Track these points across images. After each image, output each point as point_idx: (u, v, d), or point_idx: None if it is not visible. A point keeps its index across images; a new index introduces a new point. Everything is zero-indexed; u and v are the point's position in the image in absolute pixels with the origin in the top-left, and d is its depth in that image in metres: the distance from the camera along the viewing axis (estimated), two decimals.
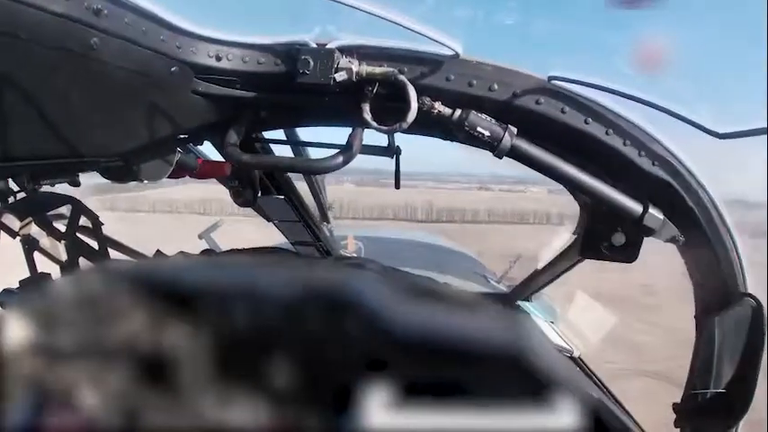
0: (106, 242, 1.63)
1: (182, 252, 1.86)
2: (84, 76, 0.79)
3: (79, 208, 1.50)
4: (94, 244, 1.54)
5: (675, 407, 0.98)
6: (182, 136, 1.05)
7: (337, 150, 0.94)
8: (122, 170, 1.02)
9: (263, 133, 1.37)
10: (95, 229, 1.58)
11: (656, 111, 0.88)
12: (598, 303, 1.72)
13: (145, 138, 0.97)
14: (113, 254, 1.71)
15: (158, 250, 1.80)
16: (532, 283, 1.69)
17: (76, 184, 1.09)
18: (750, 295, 0.93)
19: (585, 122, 0.91)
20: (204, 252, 1.90)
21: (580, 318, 1.69)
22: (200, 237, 2.89)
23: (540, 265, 1.56)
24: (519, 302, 1.77)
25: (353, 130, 0.94)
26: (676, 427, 0.99)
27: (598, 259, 1.06)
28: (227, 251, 1.97)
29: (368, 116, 0.90)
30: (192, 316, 0.80)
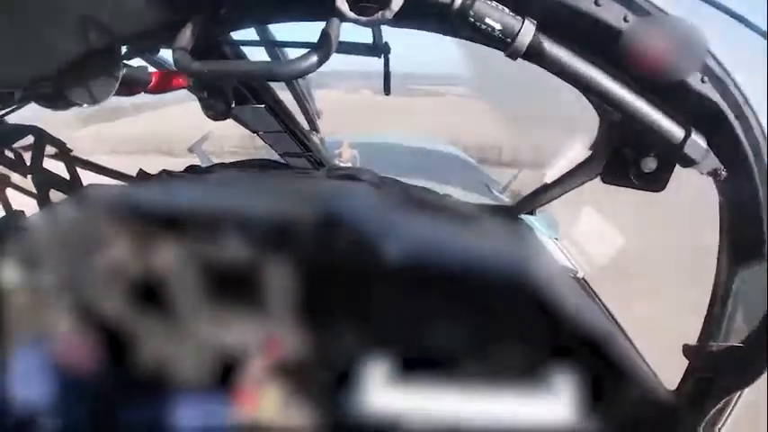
0: (79, 166, 1.53)
1: (164, 170, 1.75)
2: None
3: (43, 136, 1.38)
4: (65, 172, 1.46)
5: (686, 350, 0.92)
6: (122, 46, 0.89)
7: (307, 50, 0.77)
8: (55, 96, 0.87)
9: (232, 35, 1.19)
10: (64, 156, 1.48)
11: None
12: (606, 221, 1.62)
13: (74, 54, 0.82)
14: (93, 177, 1.62)
15: (141, 170, 1.70)
16: (538, 198, 1.57)
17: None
18: None
19: (625, 20, 0.72)
20: (189, 168, 1.80)
21: (586, 236, 1.61)
22: (190, 150, 2.77)
23: (548, 179, 1.44)
24: (522, 216, 1.68)
25: (327, 23, 0.76)
26: (687, 373, 0.94)
27: (621, 185, 0.93)
28: (214, 165, 1.86)
29: (342, 4, 0.71)
30: (179, 239, 0.70)
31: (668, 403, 1.00)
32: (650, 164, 0.86)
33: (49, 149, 1.41)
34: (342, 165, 2.30)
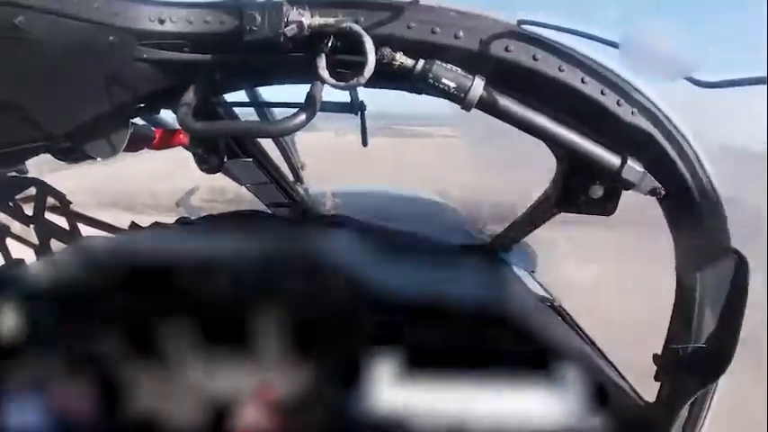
0: (77, 220, 1.59)
1: (156, 223, 1.82)
2: (14, 59, 0.74)
3: (44, 188, 1.45)
4: (65, 223, 1.51)
5: (656, 359, 0.99)
6: (132, 107, 0.99)
7: (296, 110, 0.89)
8: (72, 150, 0.97)
9: (225, 96, 1.31)
10: (64, 208, 1.54)
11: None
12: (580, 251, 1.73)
13: (90, 114, 0.92)
14: (87, 230, 1.68)
15: (133, 222, 1.77)
16: (511, 234, 1.68)
17: (23, 171, 1.04)
18: (733, 249, 0.91)
19: (560, 70, 0.86)
20: (180, 220, 1.87)
21: (562, 265, 1.71)
22: (177, 204, 2.84)
23: (519, 216, 1.55)
24: (499, 253, 1.77)
25: (312, 87, 0.89)
26: (656, 380, 1.01)
27: (575, 212, 1.04)
28: (204, 218, 1.93)
29: (323, 72, 0.84)
30: (171, 288, 0.92)
31: (643, 413, 1.06)
32: (597, 191, 0.97)
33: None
34: (326, 213, 2.38)
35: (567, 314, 1.56)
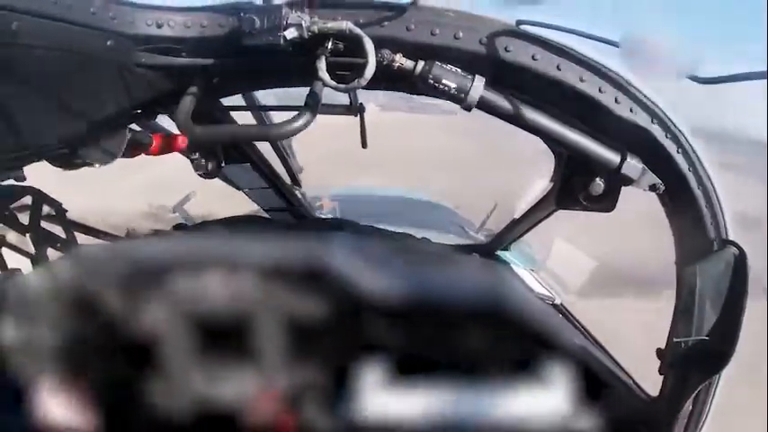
0: (72, 228, 1.57)
1: (154, 230, 1.81)
2: (10, 65, 0.73)
3: (40, 197, 1.43)
4: (61, 232, 1.49)
5: (659, 353, 1.00)
6: (130, 112, 0.98)
7: (296, 113, 0.89)
8: (69, 157, 0.95)
9: (223, 100, 1.30)
10: (60, 217, 1.52)
11: None
12: (579, 249, 1.74)
13: (88, 120, 0.91)
14: (83, 238, 1.66)
15: (129, 229, 1.75)
16: (510, 233, 1.68)
17: (21, 179, 1.02)
18: (732, 242, 0.92)
19: (558, 69, 0.86)
20: (177, 227, 1.85)
21: (561, 264, 1.71)
22: (173, 210, 2.82)
23: (517, 215, 1.55)
24: (498, 252, 1.77)
25: (311, 89, 0.88)
26: (660, 373, 1.01)
27: (575, 209, 1.04)
28: (200, 224, 1.92)
29: (324, 74, 0.83)
30: (170, 293, 0.74)
31: (647, 408, 1.06)
32: (597, 188, 0.97)
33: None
34: (324, 217, 2.38)
35: (568, 312, 1.56)
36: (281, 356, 1.10)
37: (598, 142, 0.90)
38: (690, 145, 0.90)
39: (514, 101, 0.88)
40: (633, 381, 1.20)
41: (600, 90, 0.86)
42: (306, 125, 0.87)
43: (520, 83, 0.88)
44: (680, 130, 0.89)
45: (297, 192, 2.19)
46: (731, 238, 0.93)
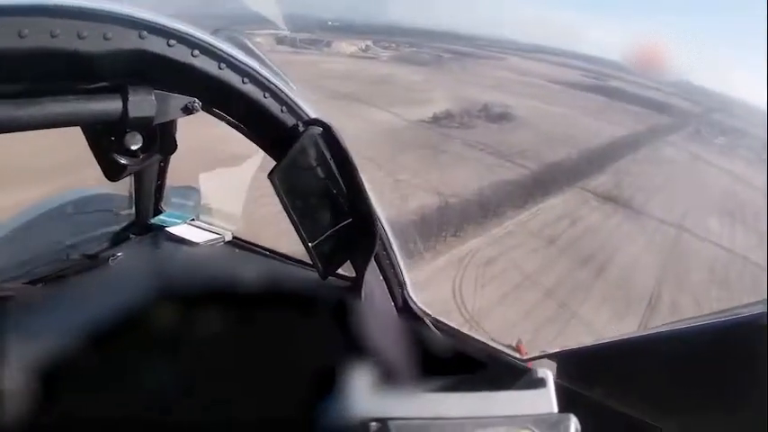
0: None
1: None
2: None
3: None
4: None
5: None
6: None
7: None
8: None
9: None
10: None
11: None
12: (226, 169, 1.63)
13: None
14: None
15: None
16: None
17: None
18: (315, 120, 0.94)
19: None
20: None
21: (219, 197, 1.60)
22: None
23: None
24: (152, 221, 1.53)
25: None
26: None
27: (130, 173, 0.91)
28: None
29: None
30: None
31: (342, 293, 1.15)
32: (135, 139, 0.83)
33: None
34: None
35: (244, 241, 1.52)
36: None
37: (91, 101, 0.73)
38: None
39: None
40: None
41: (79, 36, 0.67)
42: None
43: None
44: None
45: None
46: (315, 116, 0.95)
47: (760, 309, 0.87)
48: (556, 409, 0.63)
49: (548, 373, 0.67)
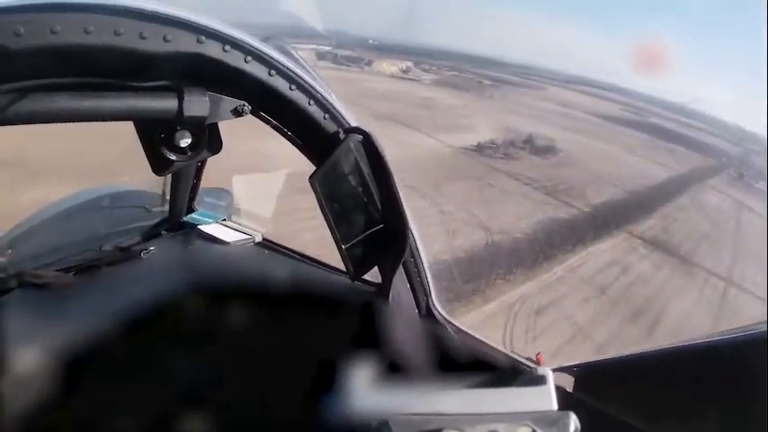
0: None
1: None
2: None
3: None
4: None
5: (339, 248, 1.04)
6: None
7: None
8: None
9: None
10: None
11: None
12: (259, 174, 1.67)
13: None
14: None
15: None
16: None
17: None
18: (356, 129, 0.97)
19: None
20: None
21: (251, 200, 1.64)
22: None
23: None
24: (185, 219, 1.58)
25: None
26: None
27: (174, 169, 0.92)
28: None
29: None
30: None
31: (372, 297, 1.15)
32: (185, 136, 0.86)
33: None
34: None
35: (274, 243, 1.54)
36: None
37: (147, 98, 0.77)
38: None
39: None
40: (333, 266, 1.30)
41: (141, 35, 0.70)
42: None
43: None
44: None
45: None
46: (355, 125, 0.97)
47: (761, 328, 0.89)
48: (556, 407, 0.64)
49: (548, 371, 0.69)
